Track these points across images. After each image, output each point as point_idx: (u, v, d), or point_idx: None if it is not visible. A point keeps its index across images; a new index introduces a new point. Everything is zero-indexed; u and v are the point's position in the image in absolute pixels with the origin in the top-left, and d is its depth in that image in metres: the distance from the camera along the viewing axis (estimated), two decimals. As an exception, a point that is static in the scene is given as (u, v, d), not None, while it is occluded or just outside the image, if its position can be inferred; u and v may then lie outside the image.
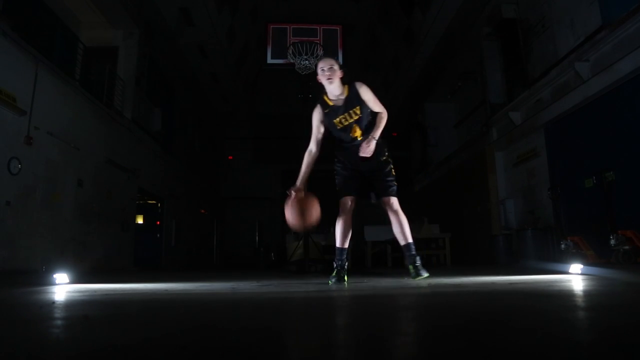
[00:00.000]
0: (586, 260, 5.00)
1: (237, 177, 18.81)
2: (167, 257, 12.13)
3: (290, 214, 2.99)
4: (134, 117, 10.06)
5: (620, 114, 6.01)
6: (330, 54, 6.90)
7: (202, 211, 15.88)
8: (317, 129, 3.26)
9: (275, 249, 13.95)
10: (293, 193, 3.02)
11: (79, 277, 3.78)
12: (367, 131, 3.18)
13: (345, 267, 3.27)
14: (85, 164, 8.13)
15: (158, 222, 12.27)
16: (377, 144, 3.14)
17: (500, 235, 8.55)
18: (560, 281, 2.74)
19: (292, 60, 6.57)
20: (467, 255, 9.84)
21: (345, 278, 3.23)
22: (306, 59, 6.44)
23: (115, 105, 9.43)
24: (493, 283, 2.76)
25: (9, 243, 6.06)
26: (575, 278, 3.00)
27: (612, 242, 5.09)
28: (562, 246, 5.88)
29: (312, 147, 3.28)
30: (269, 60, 7.03)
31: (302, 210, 2.98)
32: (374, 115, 3.22)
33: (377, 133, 3.12)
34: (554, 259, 6.11)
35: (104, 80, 9.27)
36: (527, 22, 8.10)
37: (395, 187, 3.33)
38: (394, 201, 3.30)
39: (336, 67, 3.16)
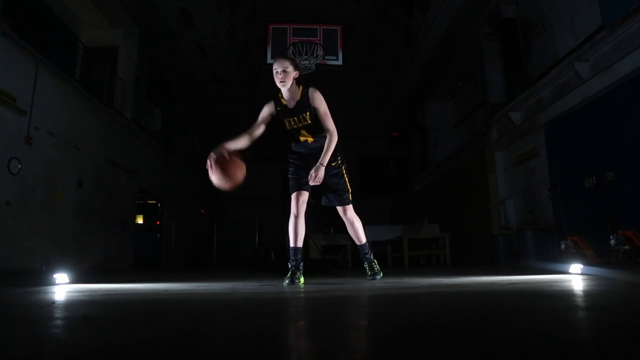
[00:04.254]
0: (586, 260, 5.00)
1: (237, 177, 18.79)
2: (167, 257, 12.13)
3: (214, 176, 2.93)
4: (134, 117, 10.06)
5: (621, 114, 6.01)
6: (330, 53, 6.91)
7: (202, 211, 15.88)
8: (261, 119, 3.24)
9: (275, 249, 13.95)
10: (213, 155, 2.92)
11: (79, 277, 3.78)
12: (317, 136, 3.19)
13: (301, 267, 3.19)
14: (85, 164, 8.13)
15: (158, 222, 12.28)
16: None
17: (500, 235, 8.54)
18: (560, 281, 2.74)
19: (292, 60, 6.56)
20: (467, 255, 9.84)
21: (301, 280, 3.15)
22: (306, 59, 6.45)
23: (115, 105, 9.43)
24: (493, 283, 2.76)
25: (9, 243, 6.06)
26: (575, 278, 2.99)
27: (612, 242, 5.09)
28: (562, 246, 5.88)
29: (251, 130, 3.22)
30: (269, 60, 7.04)
31: (225, 170, 2.91)
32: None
33: (326, 159, 3.08)
34: (554, 259, 6.12)
35: (104, 80, 9.28)
36: (527, 22, 8.10)
37: (347, 195, 3.31)
38: (347, 209, 3.34)
39: (290, 69, 3.13)
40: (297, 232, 3.21)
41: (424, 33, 11.14)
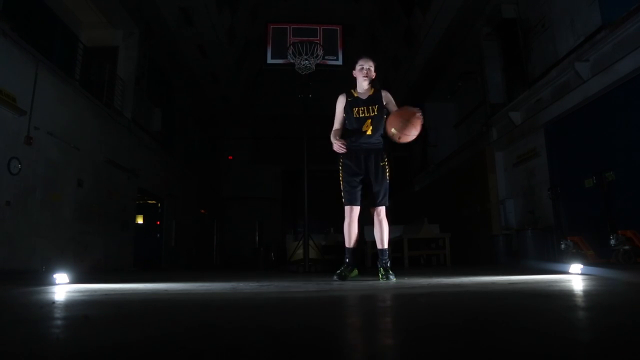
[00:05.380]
0: (586, 260, 5.00)
1: (237, 177, 18.81)
2: (167, 257, 12.12)
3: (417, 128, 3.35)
4: (134, 117, 10.06)
5: (620, 114, 6.01)
6: (330, 53, 6.91)
7: (202, 211, 15.88)
8: (340, 113, 3.72)
9: (275, 249, 13.94)
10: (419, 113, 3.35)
11: (79, 277, 3.78)
12: (377, 130, 3.60)
13: (353, 264, 3.65)
14: (85, 164, 8.12)
15: (158, 222, 12.27)
16: (379, 149, 3.59)
17: (500, 235, 8.54)
18: (560, 281, 2.74)
19: (292, 60, 6.56)
20: (467, 255, 9.84)
21: (354, 272, 3.65)
22: (306, 59, 6.44)
23: (115, 105, 9.43)
24: (493, 283, 2.76)
25: (9, 243, 6.06)
26: (575, 278, 3.00)
27: (612, 242, 5.09)
28: (562, 246, 5.88)
29: (337, 125, 3.72)
30: (269, 60, 7.01)
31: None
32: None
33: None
34: (554, 259, 6.11)
35: (104, 80, 9.27)
36: (527, 22, 8.10)
37: (386, 198, 3.59)
38: (381, 210, 3.61)
39: (373, 68, 3.72)
40: (350, 235, 3.61)
41: (424, 33, 11.14)
